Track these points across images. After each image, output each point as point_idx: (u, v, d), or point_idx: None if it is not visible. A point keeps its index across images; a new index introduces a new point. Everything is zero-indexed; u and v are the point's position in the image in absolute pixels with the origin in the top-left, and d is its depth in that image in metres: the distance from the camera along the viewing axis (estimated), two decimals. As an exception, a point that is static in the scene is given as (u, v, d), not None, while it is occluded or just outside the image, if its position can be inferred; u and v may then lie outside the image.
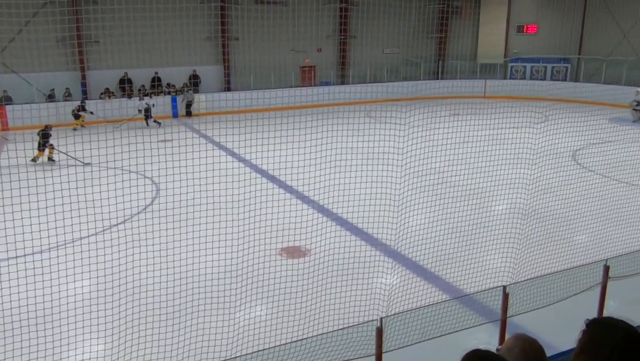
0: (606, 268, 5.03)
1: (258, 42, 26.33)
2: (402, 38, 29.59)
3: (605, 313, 5.18)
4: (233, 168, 9.13)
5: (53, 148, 15.42)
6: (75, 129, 20.04)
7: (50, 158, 15.42)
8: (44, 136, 15.43)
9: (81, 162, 12.43)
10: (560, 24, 30.46)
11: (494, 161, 8.92)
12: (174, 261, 7.11)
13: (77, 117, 21.06)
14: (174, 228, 7.50)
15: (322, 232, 8.36)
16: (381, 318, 4.27)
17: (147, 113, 21.51)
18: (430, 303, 5.66)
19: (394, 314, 4.63)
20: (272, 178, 12.88)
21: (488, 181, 9.13)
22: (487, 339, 5.58)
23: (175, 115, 24.12)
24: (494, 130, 12.14)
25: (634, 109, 22.60)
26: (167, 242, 7.33)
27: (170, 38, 23.82)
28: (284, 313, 6.57)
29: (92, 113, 21.01)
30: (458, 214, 9.22)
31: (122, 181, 7.21)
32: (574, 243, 9.08)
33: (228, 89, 26.17)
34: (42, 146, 15.36)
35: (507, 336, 4.70)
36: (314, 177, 8.30)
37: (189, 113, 24.28)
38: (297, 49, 28.24)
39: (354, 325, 4.43)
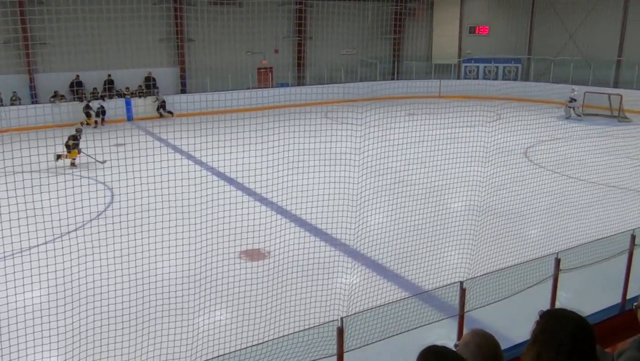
0: (557, 261, 5.19)
1: (214, 43, 26.02)
2: (358, 39, 29.87)
3: (558, 305, 5.35)
4: (189, 171, 8.99)
5: (79, 152, 15.28)
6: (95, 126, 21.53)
7: (72, 164, 15.18)
8: (74, 138, 15.29)
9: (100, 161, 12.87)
10: (510, 25, 31.37)
11: (450, 159, 9.10)
12: (129, 268, 6.93)
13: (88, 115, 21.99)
14: (128, 235, 7.30)
15: (281, 234, 8.33)
16: (342, 318, 4.28)
17: (103, 116, 21.13)
18: (390, 301, 5.71)
19: (354, 313, 4.65)
20: (231, 181, 12.75)
21: (444, 179, 9.31)
22: (447, 334, 5.67)
23: (129, 118, 23.58)
24: (449, 129, 12.40)
25: (567, 106, 23.53)
26: (121, 248, 7.14)
27: (123, 39, 23.23)
28: (244, 316, 6.50)
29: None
30: (416, 212, 9.35)
31: (73, 187, 6.98)
32: (527, 238, 9.35)
33: (184, 91, 25.76)
34: (71, 148, 15.13)
35: (465, 330, 4.79)
36: (272, 178, 8.27)
37: (169, 113, 24.32)
38: (253, 51, 28.07)
39: (314, 326, 4.42)
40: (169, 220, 7.08)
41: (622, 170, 13.15)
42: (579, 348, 2.01)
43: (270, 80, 29.45)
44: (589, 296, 6.59)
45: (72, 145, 15.00)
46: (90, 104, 21.98)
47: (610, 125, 21.83)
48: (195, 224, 7.87)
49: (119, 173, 6.82)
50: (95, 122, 22.12)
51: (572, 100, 23.43)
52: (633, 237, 5.65)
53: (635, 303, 2.38)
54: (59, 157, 14.35)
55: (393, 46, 32.75)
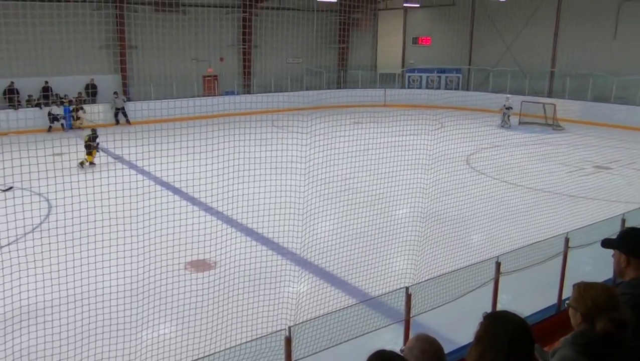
0: (497, 265, 5.36)
1: (158, 50, 25.51)
2: (304, 48, 30.04)
3: (499, 307, 5.52)
4: (131, 182, 8.71)
5: (96, 151, 16.05)
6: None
7: (91, 162, 15.89)
8: (93, 140, 15.95)
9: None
10: (451, 37, 32.43)
11: (395, 167, 9.25)
12: (67, 283, 6.63)
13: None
14: (66, 248, 7.00)
15: (228, 243, 8.21)
16: (289, 327, 4.25)
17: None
18: (338, 308, 5.73)
19: (302, 322, 4.63)
20: (176, 191, 12.48)
21: (389, 186, 9.45)
22: (394, 339, 5.74)
23: (69, 126, 22.70)
24: (394, 137, 12.63)
25: (503, 114, 24.51)
26: (58, 263, 6.82)
27: (61, 45, 22.39)
28: (191, 329, 6.36)
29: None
30: (362, 219, 9.45)
31: (6, 199, 6.63)
32: (469, 243, 9.64)
33: (127, 99, 25.09)
34: (91, 148, 15.84)
35: (411, 335, 4.87)
36: (219, 187, 8.14)
37: (127, 120, 24.00)
38: (199, 58, 27.71)
39: (262, 336, 4.37)
40: (110, 232, 6.84)
41: (556, 176, 13.80)
42: (518, 348, 2.11)
43: (216, 88, 29.14)
44: (528, 297, 6.84)
45: (92, 145, 15.82)
46: (52, 111, 22.06)
47: (545, 133, 22.88)
48: (139, 235, 7.64)
49: (55, 184, 6.53)
50: (50, 127, 21.98)
51: (507, 108, 24.44)
52: (567, 240, 5.92)
53: (567, 302, 2.49)
54: (82, 163, 15.30)
55: (339, 55, 33.17)
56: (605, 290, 2.37)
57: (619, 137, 21.44)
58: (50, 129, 21.88)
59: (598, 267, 7.48)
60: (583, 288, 2.43)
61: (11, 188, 11.44)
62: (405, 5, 32.86)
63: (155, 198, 8.13)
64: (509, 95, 25.26)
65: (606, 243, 2.98)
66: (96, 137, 16.13)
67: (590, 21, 25.66)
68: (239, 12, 28.55)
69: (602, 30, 25.70)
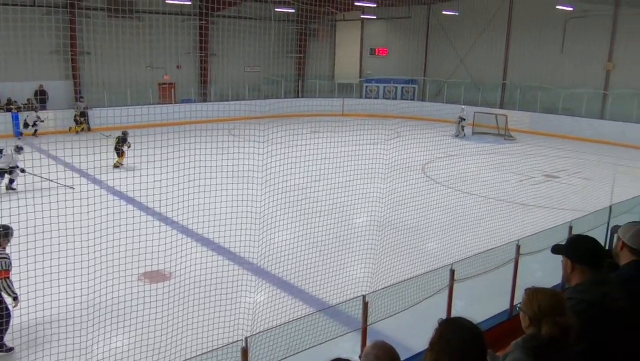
0: (452, 272, 5.46)
1: (112, 57, 24.96)
2: (262, 57, 30.02)
3: (454, 313, 5.61)
4: (81, 191, 8.45)
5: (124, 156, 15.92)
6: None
7: (120, 164, 15.83)
8: (123, 141, 16.06)
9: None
10: (407, 48, 33.10)
11: (352, 176, 9.33)
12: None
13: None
14: (15, 260, 6.72)
15: (185, 254, 8.07)
16: (246, 338, 4.20)
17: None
18: (296, 317, 5.70)
19: (259, 332, 4.58)
20: (131, 200, 12.18)
21: (347, 195, 9.52)
22: (352, 348, 5.75)
23: (17, 134, 21.85)
24: (351, 146, 12.76)
25: (458, 124, 25.22)
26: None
27: (10, 50, 21.61)
28: (145, 341, 6.19)
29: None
30: (319, 228, 9.47)
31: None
32: (425, 250, 9.79)
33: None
34: (120, 151, 15.93)
35: (368, 343, 4.89)
36: (175, 197, 8.01)
37: (87, 127, 23.44)
38: (154, 65, 27.26)
39: (218, 348, 4.29)
40: (59, 243, 6.59)
41: (508, 185, 14.22)
42: (470, 353, 2.18)
43: (172, 96, 28.70)
44: (482, 303, 6.99)
45: (120, 149, 15.94)
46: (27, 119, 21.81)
47: (497, 143, 23.56)
48: (91, 247, 7.41)
49: (1, 194, 6.26)
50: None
51: (462, 119, 25.13)
52: (518, 247, 6.09)
53: (518, 306, 2.56)
54: (116, 166, 15.32)
55: (297, 65, 33.30)
56: (552, 296, 2.45)
57: (566, 147, 22.31)
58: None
59: (548, 272, 7.74)
60: (532, 293, 2.50)
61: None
62: (362, 16, 33.34)
63: (108, 208, 7.91)
64: (464, 107, 25.99)
65: (555, 250, 3.09)
66: (126, 139, 16.16)
67: (539, 36, 26.72)
68: (195, 19, 28.28)
69: (550, 44, 26.79)
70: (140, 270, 8.01)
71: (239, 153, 9.90)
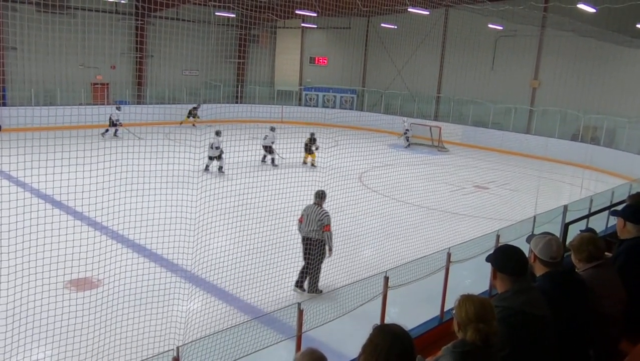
0: (386, 279, 5.57)
1: (41, 54, 23.75)
2: (202, 60, 29.54)
3: (388, 319, 5.72)
4: (2, 194, 7.94)
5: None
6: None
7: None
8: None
9: None
10: (347, 58, 33.64)
11: (290, 183, 9.34)
12: None
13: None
14: None
15: (115, 260, 7.77)
16: (178, 347, 4.10)
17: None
18: (230, 325, 5.62)
19: (191, 341, 4.48)
20: (58, 204, 11.61)
21: (284, 202, 9.51)
22: (287, 356, 5.73)
23: None
24: (290, 153, 12.79)
25: (405, 136, 25.93)
26: None
27: None
28: (71, 353, 5.90)
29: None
30: (256, 235, 9.40)
31: None
32: (361, 258, 9.93)
33: (3, 104, 23.02)
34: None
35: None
36: (106, 201, 7.71)
37: None
38: (87, 64, 26.21)
39: (148, 358, 4.17)
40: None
41: (440, 195, 14.69)
42: (394, 357, 2.27)
43: (106, 97, 27.68)
44: (414, 309, 7.17)
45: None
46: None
47: (431, 154, 24.33)
48: (9, 253, 6.99)
49: None
50: None
51: (407, 130, 25.81)
52: (449, 255, 6.29)
53: (453, 311, 2.66)
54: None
55: (237, 70, 33.01)
56: (480, 304, 2.56)
57: (495, 159, 23.35)
58: None
59: (476, 279, 8.04)
60: (463, 300, 2.62)
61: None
62: (302, 25, 33.56)
63: (32, 212, 7.49)
64: (405, 118, 26.71)
65: (487, 259, 3.22)
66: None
67: (471, 52, 27.89)
68: (131, 19, 27.47)
69: (482, 61, 28.03)
70: (67, 278, 7.64)
71: (174, 157, 9.69)
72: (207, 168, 14.83)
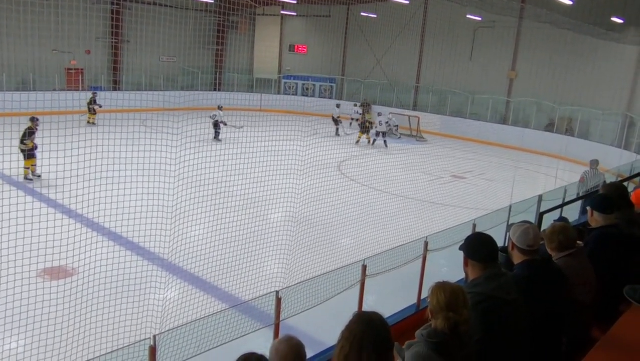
0: (364, 268, 5.60)
1: (12, 37, 23.11)
2: (179, 47, 29.11)
3: (365, 307, 5.77)
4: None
5: None
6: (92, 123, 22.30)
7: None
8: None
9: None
10: (326, 47, 33.49)
11: (268, 171, 9.30)
12: None
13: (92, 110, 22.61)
14: None
15: (90, 248, 7.65)
16: (154, 336, 4.07)
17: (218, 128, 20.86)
18: (207, 314, 5.60)
19: (168, 330, 4.45)
20: (30, 191, 11.38)
21: (262, 190, 9.48)
22: (264, 343, 5.70)
23: None
24: (268, 141, 12.72)
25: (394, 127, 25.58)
26: None
27: None
28: (44, 341, 5.81)
29: (100, 106, 22.44)
30: (234, 223, 9.35)
31: None
32: (339, 246, 9.97)
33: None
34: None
35: (280, 338, 4.89)
36: (80, 188, 7.57)
37: None
38: (61, 49, 25.60)
39: (124, 346, 4.12)
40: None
41: (418, 184, 14.80)
42: (367, 342, 2.32)
43: (80, 82, 27.11)
44: (392, 297, 7.23)
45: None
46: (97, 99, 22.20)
47: (409, 143, 24.46)
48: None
49: None
50: None
51: (395, 125, 25.62)
52: (426, 243, 6.36)
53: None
54: None
55: (215, 57, 32.60)
56: (452, 292, 2.60)
57: (472, 149, 23.61)
58: None
59: (452, 267, 8.14)
60: (435, 288, 2.66)
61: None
62: (282, 12, 33.29)
63: (3, 199, 7.33)
64: (390, 115, 26.30)
65: (460, 247, 3.26)
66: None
67: (450, 42, 28.01)
68: (106, 3, 26.88)
69: (460, 51, 28.20)
70: (40, 266, 7.52)
71: (150, 145, 9.55)
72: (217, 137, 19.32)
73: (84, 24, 25.29)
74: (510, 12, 23.65)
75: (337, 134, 24.16)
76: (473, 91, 27.85)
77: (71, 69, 26.77)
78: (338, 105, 25.33)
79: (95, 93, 23.27)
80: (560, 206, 6.93)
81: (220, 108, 21.85)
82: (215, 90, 31.47)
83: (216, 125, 21.06)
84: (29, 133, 12.59)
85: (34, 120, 12.92)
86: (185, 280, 8.13)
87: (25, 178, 12.34)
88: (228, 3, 20.15)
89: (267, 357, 2.61)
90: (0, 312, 5.93)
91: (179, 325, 4.70)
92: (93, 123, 22.59)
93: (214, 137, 20.73)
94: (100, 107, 22.58)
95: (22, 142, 12.38)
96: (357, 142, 22.66)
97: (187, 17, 27.58)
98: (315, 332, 6.17)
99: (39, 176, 12.44)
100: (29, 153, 12.31)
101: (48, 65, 24.98)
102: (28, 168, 12.39)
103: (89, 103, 22.67)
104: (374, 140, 22.61)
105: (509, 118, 27.16)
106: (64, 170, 7.32)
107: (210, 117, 21.30)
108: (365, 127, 22.91)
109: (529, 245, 3.34)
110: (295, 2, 29.00)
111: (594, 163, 12.09)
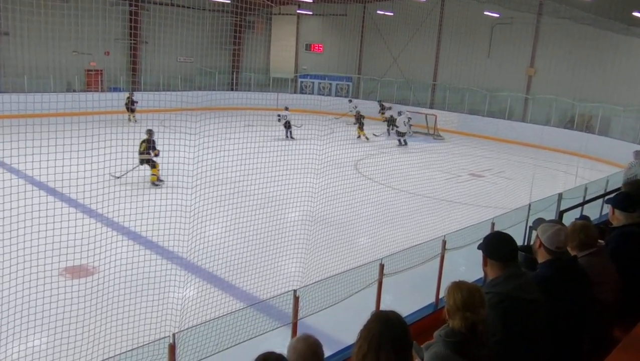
0: (381, 267, 5.58)
1: (34, 39, 23.49)
2: (196, 47, 29.33)
3: (383, 306, 5.75)
4: None
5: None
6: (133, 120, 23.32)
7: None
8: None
9: None
10: (343, 46, 33.42)
11: (286, 170, 9.32)
12: None
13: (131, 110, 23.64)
14: None
15: (111, 248, 7.76)
16: (174, 334, 4.11)
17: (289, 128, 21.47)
18: (226, 312, 5.64)
19: (187, 328, 4.50)
20: (52, 192, 11.56)
21: (280, 190, 9.50)
22: (282, 342, 5.74)
23: None
24: (286, 141, 12.75)
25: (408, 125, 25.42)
26: None
27: None
28: (67, 339, 5.91)
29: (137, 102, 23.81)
30: (252, 223, 9.40)
31: None
32: (356, 245, 9.95)
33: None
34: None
35: (297, 337, 4.90)
36: (101, 188, 7.68)
37: None
38: (81, 51, 25.96)
39: (144, 345, 4.17)
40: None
41: (436, 183, 14.71)
42: (385, 342, 2.31)
43: (100, 83, 27.47)
44: (409, 297, 7.20)
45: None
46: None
47: (427, 142, 24.32)
48: (3, 240, 6.97)
49: None
50: None
51: (409, 118, 25.43)
52: (444, 242, 6.31)
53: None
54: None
55: (232, 57, 32.76)
56: (468, 292, 2.57)
57: (490, 147, 23.38)
58: None
59: (471, 267, 8.06)
60: (451, 288, 2.63)
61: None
62: (298, 11, 33.31)
63: (26, 199, 7.46)
64: (406, 109, 26.25)
65: (478, 247, 3.24)
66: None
67: (467, 40, 27.76)
68: (125, 5, 27.17)
69: (478, 48, 27.93)
70: (62, 265, 7.63)
71: (169, 145, 9.64)
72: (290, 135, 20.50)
73: (103, 25, 25.61)
74: (528, 8, 23.35)
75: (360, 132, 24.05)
76: (491, 89, 27.57)
77: (91, 70, 27.13)
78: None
79: (132, 93, 24.30)
80: (581, 204, 6.82)
81: (286, 109, 22.47)
82: (232, 90, 31.63)
83: (288, 125, 21.86)
84: (152, 142, 13.43)
85: (151, 132, 13.87)
86: (204, 278, 8.19)
87: (153, 183, 12.75)
88: (245, 3, 20.30)
89: (285, 356, 2.61)
90: (23, 310, 6.03)
91: (198, 323, 4.74)
92: (135, 121, 23.59)
93: (287, 136, 21.56)
94: (137, 102, 23.94)
95: (145, 152, 13.18)
96: (359, 137, 22.62)
97: (204, 17, 27.77)
98: (333, 331, 6.17)
99: (163, 181, 13.16)
100: (153, 161, 13.14)
101: (68, 67, 25.35)
102: (155, 175, 13.04)
103: (127, 103, 23.74)
104: (404, 141, 22.43)
105: (527, 115, 26.83)
106: (84, 170, 7.42)
107: (278, 118, 22.15)
108: (362, 124, 22.81)
109: (558, 246, 3.29)
110: (311, 1, 29.03)
111: (638, 154, 12.10)
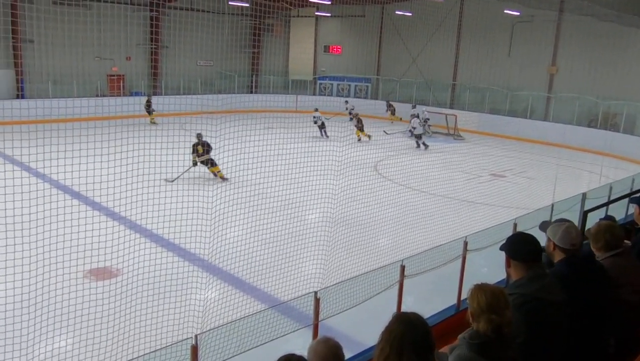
0: (402, 268, 5.56)
1: (58, 46, 23.94)
2: (216, 51, 29.56)
3: (404, 308, 5.72)
4: (23, 185, 8.03)
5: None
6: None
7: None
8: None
9: None
10: (361, 47, 33.37)
11: (305, 172, 9.34)
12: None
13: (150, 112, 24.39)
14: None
15: (134, 250, 7.87)
16: (196, 335, 4.15)
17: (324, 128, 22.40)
18: (247, 314, 5.68)
19: (209, 330, 4.53)
20: (76, 195, 11.77)
21: (300, 191, 9.52)
22: (303, 344, 5.75)
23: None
24: (305, 142, 12.79)
25: (426, 125, 25.25)
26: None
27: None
28: (91, 340, 6.01)
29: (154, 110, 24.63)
30: (272, 225, 9.44)
31: None
32: (377, 247, 9.93)
33: (21, 96, 23.30)
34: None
35: (319, 339, 4.90)
36: (124, 192, 7.79)
37: None
38: (103, 56, 26.39)
39: (167, 346, 4.22)
40: (2, 239, 6.31)
41: (456, 183, 14.60)
42: (408, 344, 2.29)
43: (122, 88, 27.88)
44: (431, 298, 7.16)
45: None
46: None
47: (447, 142, 24.13)
48: (31, 243, 7.12)
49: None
50: None
51: (426, 119, 25.28)
52: (465, 243, 6.26)
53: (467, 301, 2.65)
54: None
55: (251, 60, 32.98)
56: (492, 293, 2.53)
57: (512, 147, 23.10)
58: None
59: (493, 268, 7.99)
60: (474, 290, 2.60)
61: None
62: (317, 13, 33.36)
63: (51, 202, 7.61)
64: (424, 109, 26.20)
65: (500, 248, 3.20)
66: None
67: (487, 39, 27.49)
68: (146, 10, 27.54)
69: (498, 47, 27.63)
70: (86, 267, 7.77)
71: (190, 148, 9.73)
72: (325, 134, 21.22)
73: (124, 31, 26.04)
74: (549, 6, 23.04)
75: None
76: (512, 88, 27.25)
77: (113, 75, 27.55)
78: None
79: (150, 95, 25.16)
80: (606, 204, 6.70)
81: (316, 110, 22.94)
82: (251, 92, 31.81)
83: (323, 125, 22.52)
84: (206, 143, 13.70)
85: (200, 135, 14.12)
86: (225, 280, 8.25)
87: (223, 178, 13.11)
88: (263, 6, 20.41)
89: (306, 358, 2.62)
90: (50, 312, 6.15)
91: (220, 324, 4.78)
92: (154, 123, 24.33)
93: (322, 135, 22.15)
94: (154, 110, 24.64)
95: (203, 154, 13.59)
96: (359, 140, 22.05)
97: (223, 21, 27.98)
98: (354, 333, 6.17)
99: (227, 179, 13.45)
100: (212, 161, 13.43)
101: (91, 73, 25.78)
102: (216, 174, 13.32)
103: (147, 107, 24.51)
104: (423, 144, 22.04)
105: (550, 114, 26.45)
106: (107, 174, 7.54)
107: (314, 120, 22.73)
108: (361, 125, 22.48)
109: (572, 243, 3.25)
110: (329, 3, 29.02)
111: None
